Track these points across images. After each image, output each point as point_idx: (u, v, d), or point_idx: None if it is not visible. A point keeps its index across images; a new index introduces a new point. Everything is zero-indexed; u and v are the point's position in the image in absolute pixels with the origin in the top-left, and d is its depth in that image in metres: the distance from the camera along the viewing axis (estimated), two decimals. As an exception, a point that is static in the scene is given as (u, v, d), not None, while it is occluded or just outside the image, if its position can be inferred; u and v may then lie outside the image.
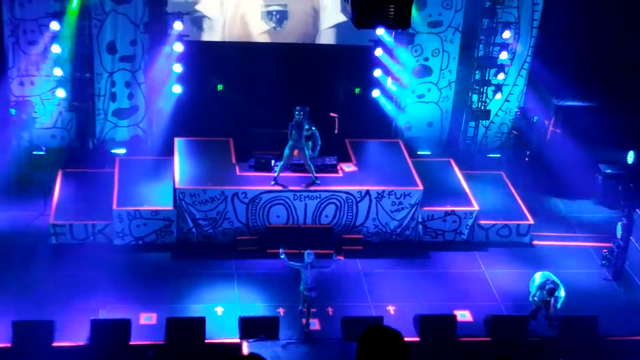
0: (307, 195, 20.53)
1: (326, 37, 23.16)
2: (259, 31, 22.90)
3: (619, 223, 20.30)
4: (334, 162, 21.53)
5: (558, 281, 17.94)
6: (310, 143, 20.50)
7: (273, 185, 20.48)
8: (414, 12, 21.85)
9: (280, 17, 22.78)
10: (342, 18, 22.58)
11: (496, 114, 24.79)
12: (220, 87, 23.19)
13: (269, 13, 22.74)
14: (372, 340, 6.17)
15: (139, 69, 23.10)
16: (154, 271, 19.50)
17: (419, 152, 24.16)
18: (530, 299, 18.23)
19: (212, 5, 22.70)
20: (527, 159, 24.21)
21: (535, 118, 24.26)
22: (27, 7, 22.04)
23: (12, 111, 22.35)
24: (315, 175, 20.64)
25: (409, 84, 23.96)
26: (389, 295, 19.08)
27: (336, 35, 23.17)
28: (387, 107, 23.99)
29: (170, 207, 20.35)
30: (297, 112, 20.02)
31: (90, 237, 20.15)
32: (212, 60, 23.11)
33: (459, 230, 21.26)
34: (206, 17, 22.76)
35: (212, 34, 22.98)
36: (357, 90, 23.76)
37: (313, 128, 20.33)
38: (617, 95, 23.22)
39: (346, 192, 20.70)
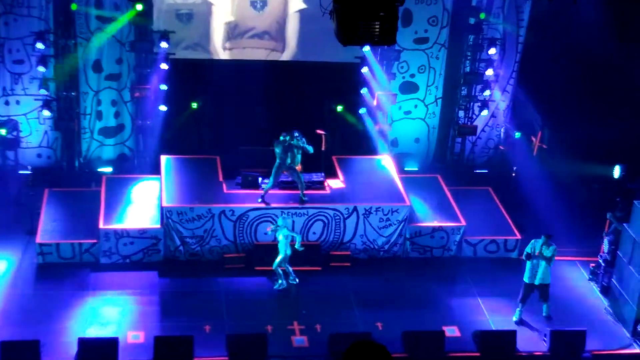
0: (295, 212, 20.51)
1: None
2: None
3: (606, 238, 20.35)
4: (321, 178, 21.53)
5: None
6: (299, 157, 20.56)
7: (260, 203, 20.45)
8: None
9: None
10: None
11: (483, 130, 24.87)
12: (194, 105, 23.14)
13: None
14: (358, 355, 6.16)
15: (125, 88, 23.11)
16: (141, 290, 19.42)
17: (406, 168, 24.21)
18: (527, 261, 18.67)
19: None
20: (514, 174, 24.26)
21: (518, 134, 24.29)
22: (12, 26, 22.05)
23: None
24: (304, 192, 20.62)
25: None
26: (377, 312, 19.04)
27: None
28: (372, 124, 24.04)
29: (157, 226, 20.31)
30: (284, 134, 20.03)
31: (77, 257, 20.07)
32: (198, 78, 23.14)
33: (446, 246, 21.26)
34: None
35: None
36: (338, 108, 23.69)
37: (302, 142, 20.35)
38: (603, 110, 23.29)
39: (333, 209, 20.69)
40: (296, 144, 20.09)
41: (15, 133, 22.40)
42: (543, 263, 18.52)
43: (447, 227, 21.22)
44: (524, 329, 18.53)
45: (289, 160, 20.15)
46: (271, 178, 20.40)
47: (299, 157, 20.34)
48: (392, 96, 23.69)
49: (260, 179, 20.98)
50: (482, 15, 23.29)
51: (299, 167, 20.64)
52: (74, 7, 21.79)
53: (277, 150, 20.14)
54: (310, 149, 20.37)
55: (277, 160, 20.24)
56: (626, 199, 20.20)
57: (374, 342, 6.18)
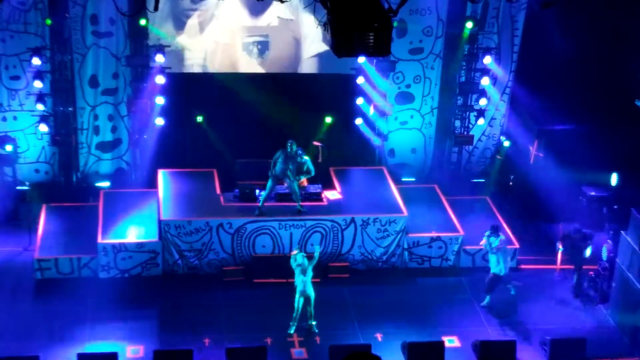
0: (292, 224, 20.52)
1: (308, 65, 23.22)
2: (241, 62, 22.93)
3: (604, 245, 20.34)
4: (319, 190, 21.54)
5: None
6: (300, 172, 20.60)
7: (258, 215, 20.46)
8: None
9: (261, 47, 22.83)
10: (324, 47, 22.65)
11: (479, 139, 24.88)
12: (200, 119, 23.15)
13: (250, 44, 22.77)
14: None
15: (122, 102, 23.12)
16: (140, 304, 19.42)
17: (403, 179, 24.21)
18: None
19: (191, 38, 22.71)
20: (511, 183, 24.28)
21: (508, 143, 24.33)
22: (9, 42, 22.08)
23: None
24: (301, 204, 20.64)
25: (390, 111, 24.03)
26: (376, 323, 19.03)
27: (318, 64, 23.24)
28: (370, 135, 24.06)
29: (155, 240, 20.31)
30: (288, 145, 20.05)
31: (76, 271, 20.07)
32: (194, 92, 23.15)
33: (445, 256, 21.25)
34: (186, 49, 22.77)
35: (192, 67, 23.01)
36: (327, 120, 23.67)
37: (306, 158, 20.39)
38: (599, 118, 23.31)
39: (331, 220, 20.69)
40: (298, 159, 20.11)
41: (12, 149, 22.39)
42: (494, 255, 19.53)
43: (445, 237, 21.22)
44: (523, 338, 18.48)
45: (287, 171, 20.14)
46: (267, 189, 20.42)
47: (303, 172, 20.40)
48: (389, 106, 23.74)
49: (257, 191, 20.98)
50: (472, 25, 23.22)
51: (304, 181, 20.75)
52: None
53: (280, 159, 20.13)
54: (312, 169, 20.44)
55: (274, 171, 20.22)
56: (624, 207, 20.21)
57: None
